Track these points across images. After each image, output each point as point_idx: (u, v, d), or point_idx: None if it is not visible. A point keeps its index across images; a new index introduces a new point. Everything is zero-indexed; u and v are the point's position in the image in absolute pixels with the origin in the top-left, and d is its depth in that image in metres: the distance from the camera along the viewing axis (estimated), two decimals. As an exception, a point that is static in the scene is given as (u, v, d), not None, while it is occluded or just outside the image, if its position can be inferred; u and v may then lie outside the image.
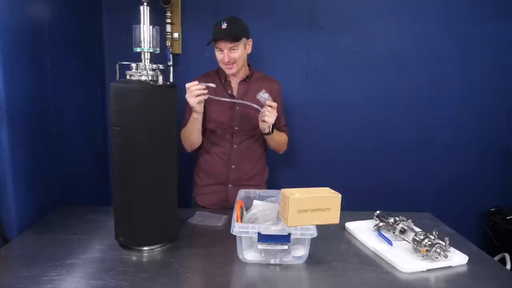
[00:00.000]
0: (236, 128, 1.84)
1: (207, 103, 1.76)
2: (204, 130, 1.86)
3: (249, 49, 1.81)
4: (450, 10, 2.41)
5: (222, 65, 1.78)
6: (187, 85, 1.61)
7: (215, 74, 1.90)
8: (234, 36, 1.69)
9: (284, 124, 1.98)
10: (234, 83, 1.88)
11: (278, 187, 2.05)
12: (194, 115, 1.70)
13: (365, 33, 2.42)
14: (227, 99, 1.74)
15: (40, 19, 1.68)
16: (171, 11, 2.30)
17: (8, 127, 1.42)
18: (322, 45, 2.43)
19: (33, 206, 1.58)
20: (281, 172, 2.50)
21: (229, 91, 1.86)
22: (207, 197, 1.91)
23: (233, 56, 1.72)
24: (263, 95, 1.65)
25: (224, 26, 1.69)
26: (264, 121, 1.67)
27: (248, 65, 1.90)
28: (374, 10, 2.41)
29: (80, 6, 2.10)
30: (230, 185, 1.88)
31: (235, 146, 1.86)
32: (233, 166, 1.87)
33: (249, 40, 1.80)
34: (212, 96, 1.67)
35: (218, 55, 1.76)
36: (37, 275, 1.17)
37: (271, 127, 1.72)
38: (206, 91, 1.62)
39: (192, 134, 1.80)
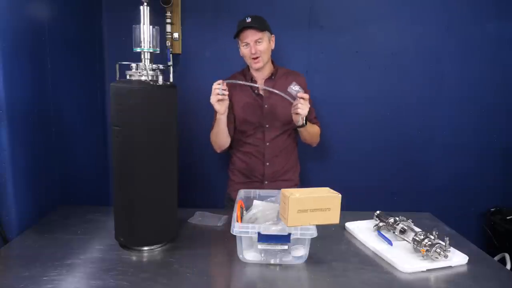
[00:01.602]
0: (267, 125, 1.88)
1: (235, 106, 1.83)
2: (233, 130, 1.90)
3: (272, 45, 1.87)
4: (450, 10, 2.41)
5: (248, 60, 1.82)
6: (214, 84, 1.64)
7: (240, 75, 1.94)
8: (259, 25, 1.75)
9: (314, 117, 2.00)
10: (260, 81, 1.91)
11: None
12: (217, 115, 1.73)
13: (365, 33, 2.42)
14: (264, 87, 1.77)
15: (40, 19, 1.68)
16: (171, 11, 2.30)
17: (8, 127, 1.42)
18: (322, 45, 2.44)
19: (33, 206, 1.58)
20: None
21: (256, 90, 1.89)
22: None
23: (259, 49, 1.77)
24: (294, 88, 1.65)
25: (248, 20, 1.76)
26: (297, 113, 1.67)
27: (272, 62, 1.93)
28: (374, 10, 2.41)
29: (80, 6, 2.11)
30: (266, 182, 1.92)
31: (267, 144, 1.90)
32: (267, 164, 1.91)
33: (272, 35, 1.86)
34: (246, 83, 1.73)
35: (244, 50, 1.80)
36: (37, 275, 1.17)
37: (304, 119, 1.72)
38: (226, 93, 1.64)
39: (219, 135, 1.83)
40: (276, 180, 1.93)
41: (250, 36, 1.75)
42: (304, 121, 1.73)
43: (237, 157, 1.98)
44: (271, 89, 1.69)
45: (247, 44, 1.78)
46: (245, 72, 1.94)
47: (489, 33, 2.43)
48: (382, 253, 1.35)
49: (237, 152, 1.97)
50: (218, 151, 1.94)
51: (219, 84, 1.62)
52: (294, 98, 1.66)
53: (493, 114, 2.53)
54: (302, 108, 1.64)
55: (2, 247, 1.38)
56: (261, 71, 1.88)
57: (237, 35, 1.80)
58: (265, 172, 1.92)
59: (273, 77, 1.90)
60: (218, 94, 1.62)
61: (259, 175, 1.93)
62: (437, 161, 2.57)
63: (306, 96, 1.65)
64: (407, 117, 2.52)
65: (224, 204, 2.07)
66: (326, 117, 2.51)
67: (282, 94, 1.66)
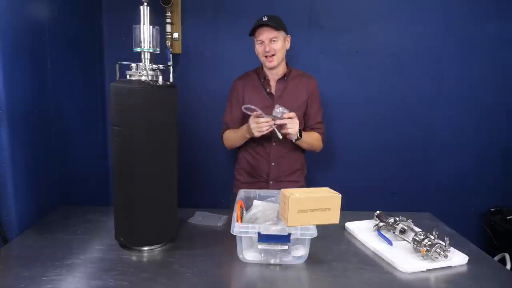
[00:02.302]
0: (275, 125, 1.86)
1: (247, 103, 1.82)
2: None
3: (287, 45, 1.88)
4: (450, 10, 2.41)
5: (262, 58, 1.83)
6: (257, 120, 1.64)
7: (253, 74, 1.95)
8: (275, 24, 1.76)
9: (319, 121, 1.99)
10: (273, 81, 1.92)
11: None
12: (247, 135, 1.76)
13: (365, 33, 2.43)
14: (268, 116, 1.72)
15: (40, 19, 1.68)
16: (171, 11, 2.30)
17: (8, 127, 1.42)
18: (322, 45, 2.44)
19: (33, 206, 1.58)
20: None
21: (268, 89, 1.90)
22: None
23: (273, 47, 1.78)
24: (278, 110, 1.67)
25: (265, 18, 1.77)
26: (288, 133, 1.70)
27: (286, 63, 1.94)
28: (374, 10, 2.42)
29: (80, 6, 2.11)
30: (271, 182, 1.93)
31: (274, 144, 1.90)
32: (273, 163, 1.92)
33: (288, 36, 1.86)
34: (257, 112, 1.67)
35: (259, 48, 1.82)
36: (37, 275, 1.17)
37: (298, 133, 1.74)
38: (273, 123, 1.65)
39: (238, 142, 1.91)
40: (282, 181, 1.93)
41: (265, 34, 1.77)
42: (298, 135, 1.75)
43: (243, 156, 1.99)
44: (279, 117, 1.68)
45: (262, 42, 1.79)
46: (258, 71, 1.95)
47: (489, 33, 2.43)
48: (382, 253, 1.35)
49: (244, 151, 1.98)
50: (229, 148, 2.00)
51: (267, 121, 1.63)
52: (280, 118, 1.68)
53: (493, 114, 2.53)
54: (291, 127, 1.68)
55: (2, 247, 1.38)
56: (275, 70, 1.89)
57: (252, 33, 1.81)
58: (270, 172, 1.93)
59: (285, 78, 1.91)
60: (267, 129, 1.65)
61: (264, 175, 1.94)
62: (437, 161, 2.58)
63: (292, 114, 1.67)
64: (407, 117, 2.52)
65: (230, 204, 2.06)
66: (326, 117, 2.50)
67: (281, 121, 1.66)
